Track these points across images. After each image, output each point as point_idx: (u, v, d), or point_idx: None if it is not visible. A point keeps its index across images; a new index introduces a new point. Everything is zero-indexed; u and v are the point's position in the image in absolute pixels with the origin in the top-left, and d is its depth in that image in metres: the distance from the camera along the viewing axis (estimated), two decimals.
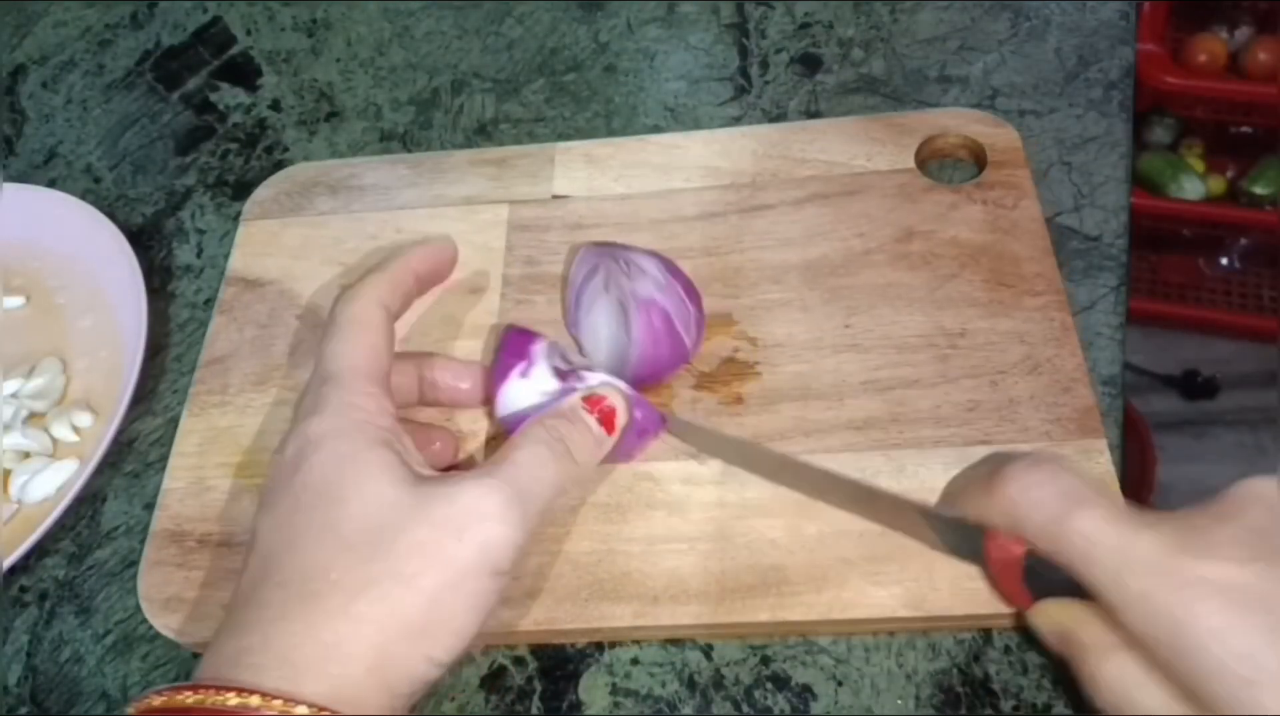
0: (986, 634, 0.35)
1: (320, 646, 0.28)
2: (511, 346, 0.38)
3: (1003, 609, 0.33)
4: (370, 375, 0.33)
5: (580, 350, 0.40)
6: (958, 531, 0.34)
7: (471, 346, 0.43)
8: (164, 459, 0.42)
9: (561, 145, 0.49)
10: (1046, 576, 0.31)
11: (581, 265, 0.41)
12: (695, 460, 0.38)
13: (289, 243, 0.48)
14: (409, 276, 0.38)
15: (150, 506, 0.41)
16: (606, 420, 0.35)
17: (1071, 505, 0.29)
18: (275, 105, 0.56)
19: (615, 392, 0.36)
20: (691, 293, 0.40)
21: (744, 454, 0.37)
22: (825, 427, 0.38)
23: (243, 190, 0.52)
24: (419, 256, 0.39)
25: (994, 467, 0.32)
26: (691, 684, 0.35)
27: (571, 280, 0.42)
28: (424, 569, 0.29)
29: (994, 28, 0.52)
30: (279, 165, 0.53)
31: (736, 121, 0.50)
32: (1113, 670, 0.29)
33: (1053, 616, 0.31)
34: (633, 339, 0.38)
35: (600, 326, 0.39)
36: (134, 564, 0.40)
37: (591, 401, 0.35)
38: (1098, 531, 0.28)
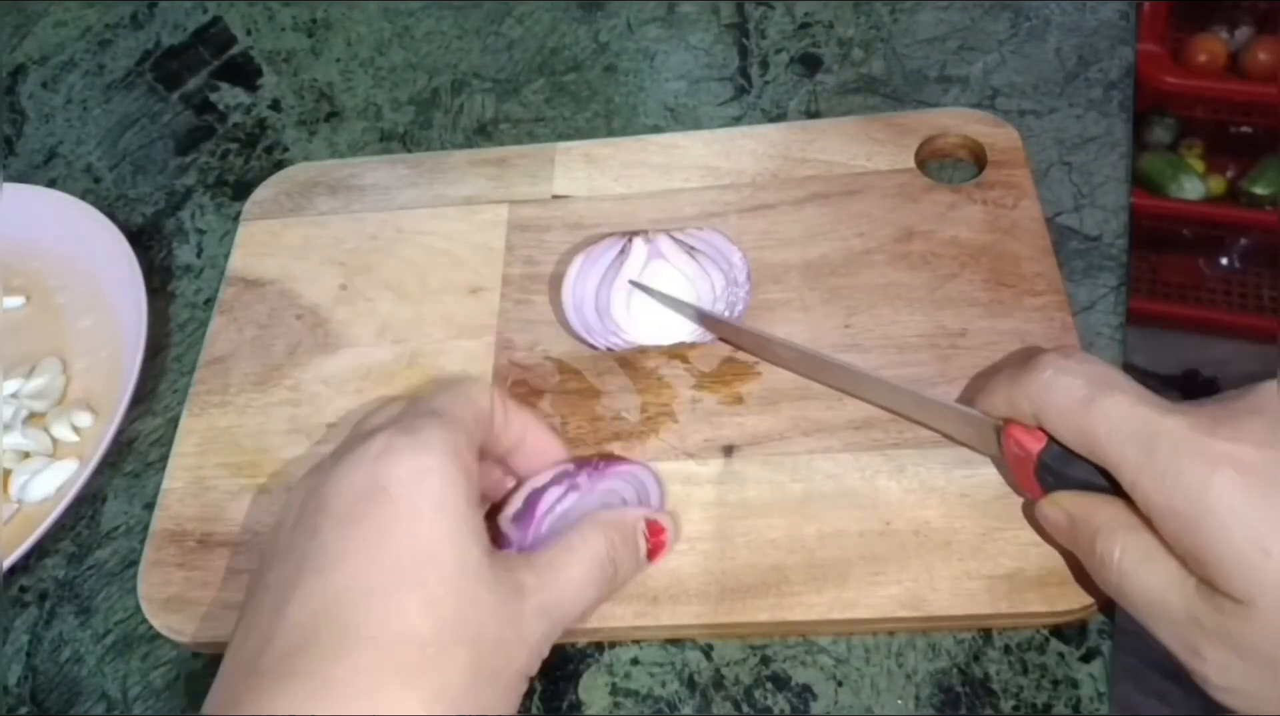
0: (986, 634, 0.35)
1: None
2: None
3: (1002, 609, 0.34)
4: (474, 436, 0.31)
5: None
6: (979, 425, 0.34)
7: (471, 346, 0.43)
8: (164, 459, 0.42)
9: (561, 145, 0.49)
10: (1057, 474, 0.32)
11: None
12: (695, 460, 0.38)
13: (289, 243, 0.48)
14: (518, 423, 0.35)
15: (150, 506, 0.41)
16: (655, 550, 0.35)
17: (1101, 388, 0.30)
18: (275, 105, 0.56)
19: (671, 523, 0.36)
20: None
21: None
22: (825, 427, 0.38)
23: (243, 190, 0.52)
24: (535, 425, 0.36)
25: (1023, 358, 0.32)
26: (691, 684, 0.35)
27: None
28: (494, 670, 0.28)
29: (994, 28, 0.52)
30: (279, 165, 0.53)
31: (736, 121, 0.50)
32: (1120, 545, 0.29)
33: (1064, 504, 0.32)
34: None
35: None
36: (134, 564, 0.40)
37: (653, 528, 0.35)
38: (1128, 411, 0.29)
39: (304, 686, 0.26)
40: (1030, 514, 0.34)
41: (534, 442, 0.35)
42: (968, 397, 0.37)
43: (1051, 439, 0.32)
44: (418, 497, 0.28)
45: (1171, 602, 0.28)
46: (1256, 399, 0.29)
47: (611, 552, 0.32)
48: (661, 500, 0.37)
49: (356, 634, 0.26)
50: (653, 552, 0.35)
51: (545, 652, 0.30)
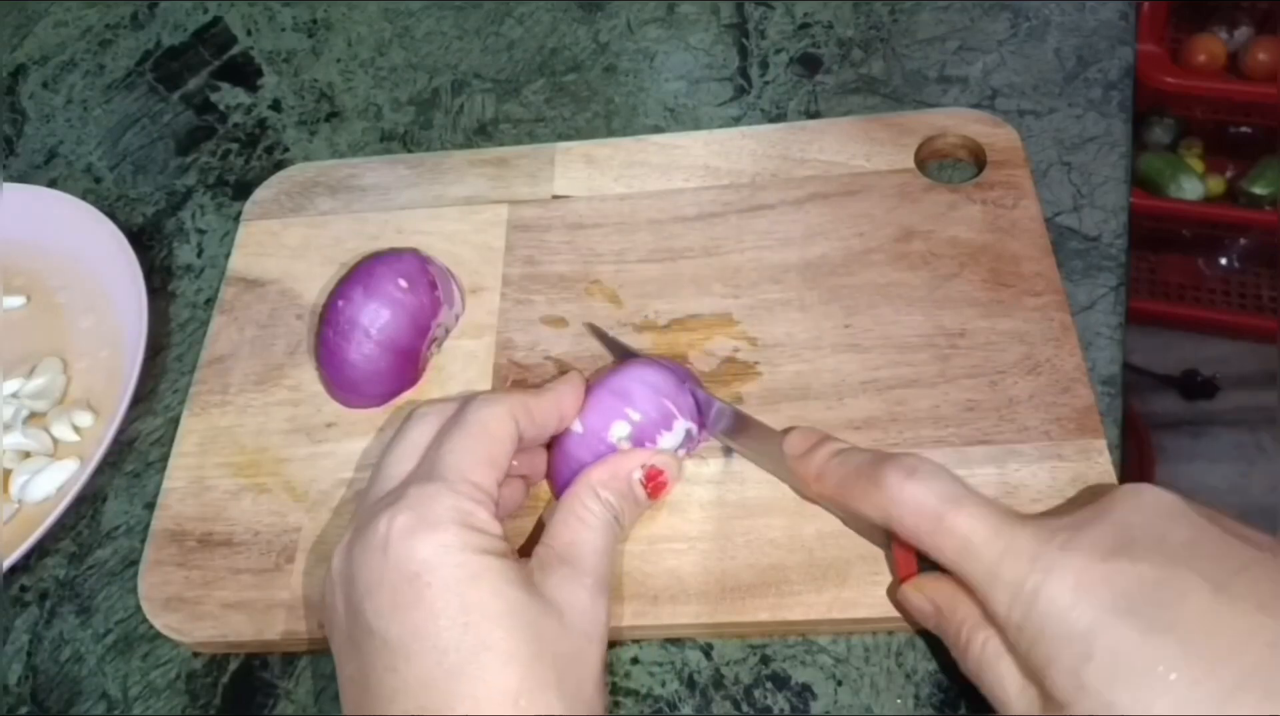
0: None
1: None
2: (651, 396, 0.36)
3: None
4: (485, 486, 0.32)
5: None
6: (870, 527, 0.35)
7: (471, 346, 0.43)
8: (164, 458, 0.42)
9: (561, 145, 0.49)
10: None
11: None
12: (695, 460, 0.38)
13: (289, 243, 0.48)
14: (553, 413, 0.35)
15: (150, 506, 0.41)
16: (657, 490, 0.36)
17: (949, 505, 0.30)
18: (275, 105, 0.56)
19: (674, 461, 0.36)
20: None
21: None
22: (825, 427, 0.38)
23: (243, 190, 0.52)
24: (569, 395, 0.36)
25: (869, 466, 0.32)
26: (691, 683, 0.35)
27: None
28: (580, 677, 0.30)
29: (993, 28, 0.52)
30: (279, 165, 0.53)
31: (736, 121, 0.50)
32: (977, 644, 0.30)
33: (929, 591, 0.32)
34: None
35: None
36: (134, 563, 0.40)
37: (651, 474, 0.35)
38: (975, 527, 0.29)
39: None
40: (894, 596, 0.34)
41: (575, 407, 0.36)
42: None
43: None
44: (450, 573, 0.29)
45: (1015, 707, 0.29)
46: (1099, 508, 0.29)
47: (616, 512, 0.34)
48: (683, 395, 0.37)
49: (456, 709, 0.28)
50: (654, 493, 0.36)
51: (609, 622, 0.32)
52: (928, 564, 0.32)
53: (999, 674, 0.29)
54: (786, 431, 0.36)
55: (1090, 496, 0.31)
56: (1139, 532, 0.28)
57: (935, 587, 0.32)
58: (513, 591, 0.29)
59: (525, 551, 0.34)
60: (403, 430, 0.34)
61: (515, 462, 0.34)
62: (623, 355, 0.41)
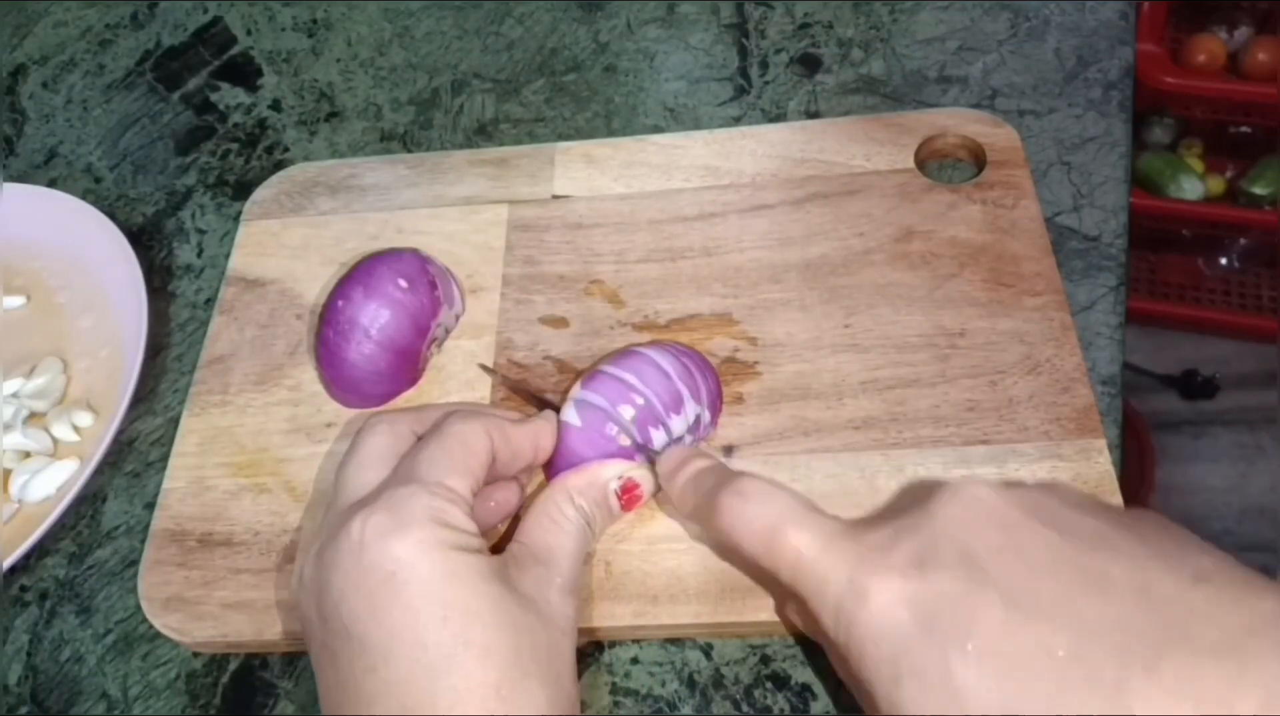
0: None
1: None
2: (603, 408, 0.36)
3: None
4: (460, 491, 0.32)
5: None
6: None
7: (471, 346, 0.43)
8: (164, 458, 0.42)
9: (561, 145, 0.49)
10: None
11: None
12: None
13: (289, 243, 0.48)
14: (529, 443, 0.35)
15: (150, 506, 0.41)
16: (630, 503, 0.36)
17: (783, 523, 0.30)
18: (275, 105, 0.56)
19: (648, 476, 0.36)
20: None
21: None
22: (825, 427, 0.38)
23: (243, 190, 0.52)
24: (546, 432, 0.36)
25: (711, 491, 0.32)
26: (691, 683, 0.35)
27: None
28: (558, 672, 0.30)
29: (993, 28, 0.52)
30: (279, 165, 0.53)
31: (736, 121, 0.50)
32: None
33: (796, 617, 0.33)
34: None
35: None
36: (134, 563, 0.40)
37: (627, 487, 0.36)
38: (803, 546, 0.29)
39: None
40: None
41: (549, 445, 0.36)
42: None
43: None
44: (426, 571, 0.29)
45: None
46: (916, 516, 0.29)
47: (589, 519, 0.34)
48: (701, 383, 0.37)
49: (438, 706, 0.28)
50: (627, 505, 0.36)
51: (578, 618, 0.32)
52: None
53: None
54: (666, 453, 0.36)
55: (923, 493, 0.30)
56: (946, 542, 0.28)
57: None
58: (489, 587, 0.29)
59: (497, 550, 0.34)
60: (358, 441, 0.34)
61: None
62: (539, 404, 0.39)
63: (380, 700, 0.28)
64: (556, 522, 0.34)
